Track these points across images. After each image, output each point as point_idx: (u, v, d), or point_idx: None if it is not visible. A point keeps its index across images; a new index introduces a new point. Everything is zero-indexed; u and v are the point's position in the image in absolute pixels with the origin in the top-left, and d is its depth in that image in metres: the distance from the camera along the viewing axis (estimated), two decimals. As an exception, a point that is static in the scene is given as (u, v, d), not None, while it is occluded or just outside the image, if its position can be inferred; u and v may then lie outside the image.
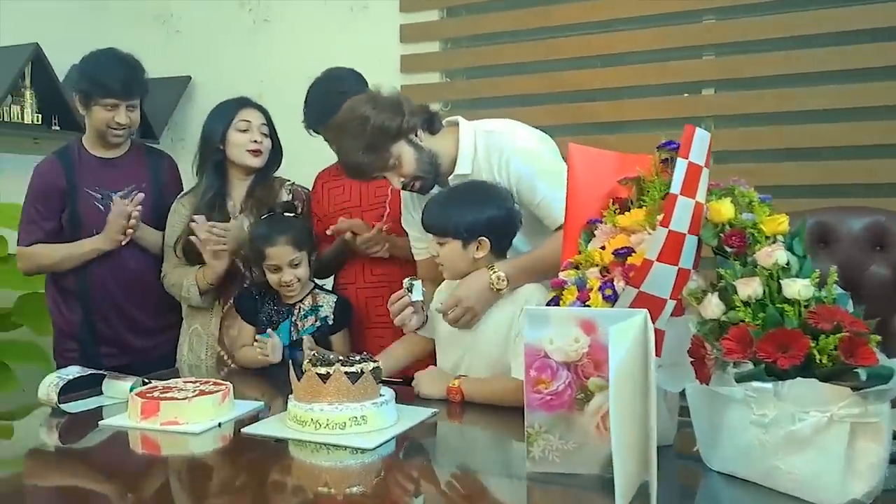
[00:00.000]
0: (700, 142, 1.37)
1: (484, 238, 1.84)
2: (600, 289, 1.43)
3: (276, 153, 2.49)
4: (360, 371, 1.64)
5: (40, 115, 3.21)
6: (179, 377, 2.23)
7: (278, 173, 2.55)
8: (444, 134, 2.01)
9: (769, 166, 2.81)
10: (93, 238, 2.41)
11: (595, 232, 1.62)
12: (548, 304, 1.56)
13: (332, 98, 2.27)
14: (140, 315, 2.51)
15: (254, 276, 2.40)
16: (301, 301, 2.27)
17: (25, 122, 3.15)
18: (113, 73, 2.36)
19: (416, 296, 1.98)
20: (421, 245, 2.17)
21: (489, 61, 3.26)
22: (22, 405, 2.92)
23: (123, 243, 2.36)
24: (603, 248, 1.55)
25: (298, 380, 1.66)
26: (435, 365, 2.02)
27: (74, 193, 2.45)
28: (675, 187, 1.34)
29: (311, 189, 2.58)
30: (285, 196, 2.48)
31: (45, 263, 2.47)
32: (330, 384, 1.62)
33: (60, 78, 3.31)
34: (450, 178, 1.99)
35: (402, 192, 2.13)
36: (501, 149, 1.93)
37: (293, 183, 2.55)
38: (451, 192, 1.91)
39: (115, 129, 2.43)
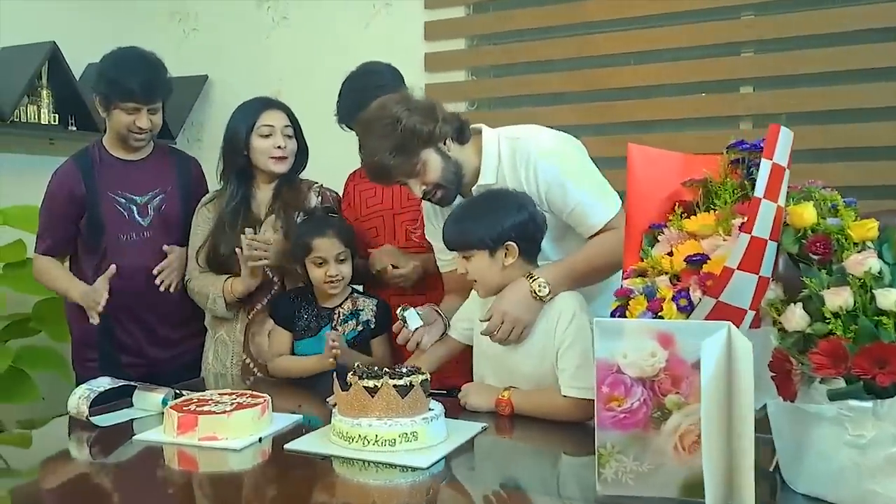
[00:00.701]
0: (784, 141, 1.28)
1: (510, 243, 1.75)
2: (674, 298, 1.34)
3: (302, 153, 2.39)
4: (409, 384, 1.55)
5: (57, 116, 3.12)
6: (205, 387, 2.16)
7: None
8: (468, 143, 1.91)
9: (813, 167, 2.71)
10: (75, 290, 2.31)
11: (658, 237, 1.53)
12: (612, 315, 1.47)
13: (369, 92, 2.18)
14: (160, 325, 2.41)
15: (283, 282, 2.32)
16: (340, 305, 2.18)
17: (42, 122, 3.07)
18: (134, 76, 2.25)
19: (413, 324, 1.91)
20: (446, 257, 2.08)
21: (517, 59, 3.17)
22: (44, 415, 2.87)
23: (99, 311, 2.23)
24: (670, 254, 1.47)
25: (345, 393, 1.57)
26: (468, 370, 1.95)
27: (95, 198, 2.35)
28: (760, 190, 1.25)
29: (341, 191, 2.49)
30: (314, 199, 2.39)
31: (42, 280, 2.40)
32: (378, 398, 1.53)
33: (76, 77, 3.22)
34: (473, 188, 1.90)
35: (424, 204, 2.05)
36: (528, 156, 1.84)
37: (321, 185, 2.46)
38: (468, 205, 1.83)
39: (136, 133, 2.33)
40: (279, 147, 2.29)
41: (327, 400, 1.88)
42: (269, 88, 2.83)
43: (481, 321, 1.79)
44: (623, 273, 1.54)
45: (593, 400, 1.68)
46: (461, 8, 3.24)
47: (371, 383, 1.54)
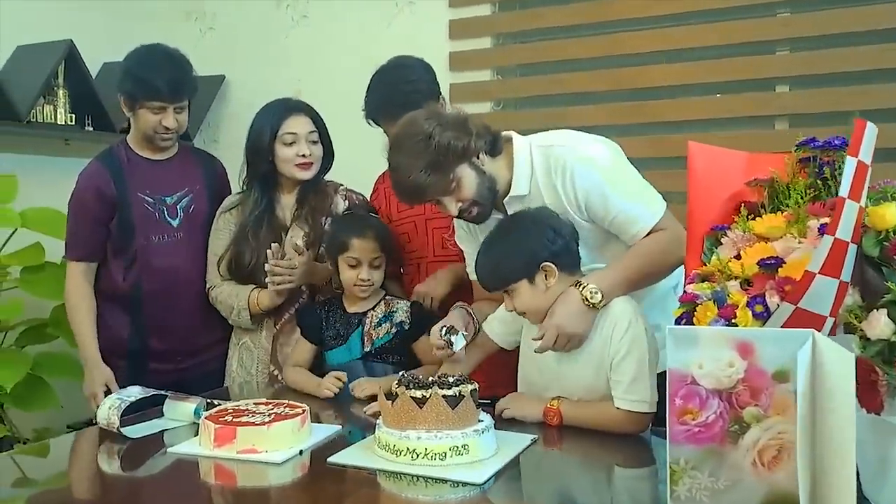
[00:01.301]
0: (869, 137, 1.21)
1: (547, 263, 1.67)
2: (749, 305, 1.26)
3: (328, 157, 2.32)
4: (459, 394, 1.48)
5: (73, 116, 3.05)
6: (230, 396, 2.08)
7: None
8: (503, 154, 1.83)
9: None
10: (89, 355, 2.27)
11: (721, 239, 1.46)
12: (677, 323, 1.40)
13: (400, 87, 2.12)
14: (192, 329, 2.34)
15: (312, 292, 2.26)
16: (373, 309, 2.10)
17: (58, 122, 3.00)
18: (160, 74, 2.19)
19: (459, 345, 1.82)
20: None
21: (544, 57, 3.10)
22: (60, 424, 2.81)
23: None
24: (737, 257, 1.39)
25: (391, 403, 1.49)
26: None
27: (125, 199, 2.28)
28: (845, 189, 1.17)
29: (371, 192, 2.42)
30: (341, 203, 2.32)
31: (70, 309, 2.33)
32: (427, 409, 1.46)
33: (92, 76, 3.15)
34: (505, 200, 1.83)
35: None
36: (563, 163, 1.76)
37: (346, 188, 2.38)
38: (491, 239, 1.73)
39: (162, 133, 2.27)
40: (303, 155, 2.22)
41: (365, 410, 1.82)
42: (288, 89, 2.75)
43: (534, 339, 1.70)
44: (685, 277, 1.46)
45: (648, 413, 1.63)
46: (487, 6, 3.16)
47: (419, 393, 1.47)
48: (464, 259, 2.09)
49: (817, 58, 2.69)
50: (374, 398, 1.89)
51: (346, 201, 2.32)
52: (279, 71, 3.46)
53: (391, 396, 1.50)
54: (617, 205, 1.73)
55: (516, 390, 1.85)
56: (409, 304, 2.12)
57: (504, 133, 1.86)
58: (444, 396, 1.46)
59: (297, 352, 2.14)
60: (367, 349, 2.07)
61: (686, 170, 1.46)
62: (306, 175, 2.24)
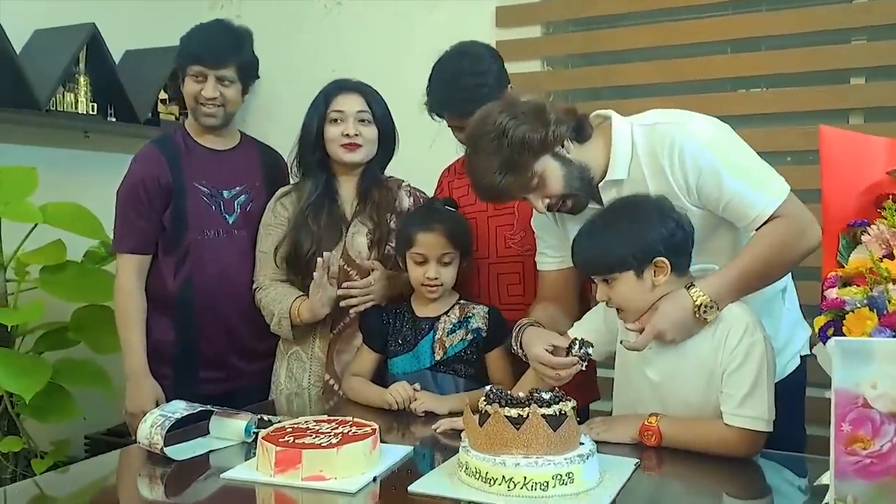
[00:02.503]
0: None
1: (660, 258, 1.47)
2: (925, 313, 1.07)
3: (386, 141, 2.11)
4: (560, 413, 1.28)
5: (95, 105, 2.86)
6: (276, 410, 1.89)
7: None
8: (594, 137, 1.65)
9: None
10: (137, 359, 2.09)
11: (862, 237, 1.27)
12: (822, 333, 1.21)
13: (465, 80, 1.94)
14: (244, 333, 2.14)
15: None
16: (446, 314, 1.91)
17: (79, 111, 2.81)
18: (204, 39, 2.05)
19: (586, 360, 1.59)
20: (554, 255, 1.82)
21: (598, 47, 2.91)
22: (78, 436, 2.61)
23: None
24: (889, 256, 1.20)
25: (480, 424, 1.30)
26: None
27: (182, 188, 2.09)
28: None
29: (435, 187, 2.23)
30: (405, 199, 2.13)
31: (119, 305, 2.13)
32: (525, 431, 1.26)
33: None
34: (600, 185, 1.64)
35: None
36: (672, 142, 1.56)
37: (409, 184, 2.20)
38: (601, 217, 1.55)
39: (203, 105, 2.08)
40: (347, 135, 2.02)
41: (435, 428, 1.63)
42: (320, 80, 2.56)
43: (622, 341, 1.52)
44: (824, 280, 1.27)
45: (763, 432, 1.44)
46: (536, -8, 2.98)
47: (515, 412, 1.27)
48: (529, 259, 1.91)
49: (897, 47, 2.50)
50: (433, 414, 1.73)
51: (411, 198, 2.14)
52: (311, 61, 3.26)
53: (481, 415, 1.31)
54: (732, 185, 1.53)
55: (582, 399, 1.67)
56: (486, 308, 1.92)
57: (601, 112, 1.68)
58: (544, 416, 1.27)
59: (358, 361, 1.95)
60: (437, 358, 1.87)
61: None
62: (353, 157, 2.05)
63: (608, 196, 1.62)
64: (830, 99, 2.60)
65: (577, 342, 1.57)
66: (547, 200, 1.60)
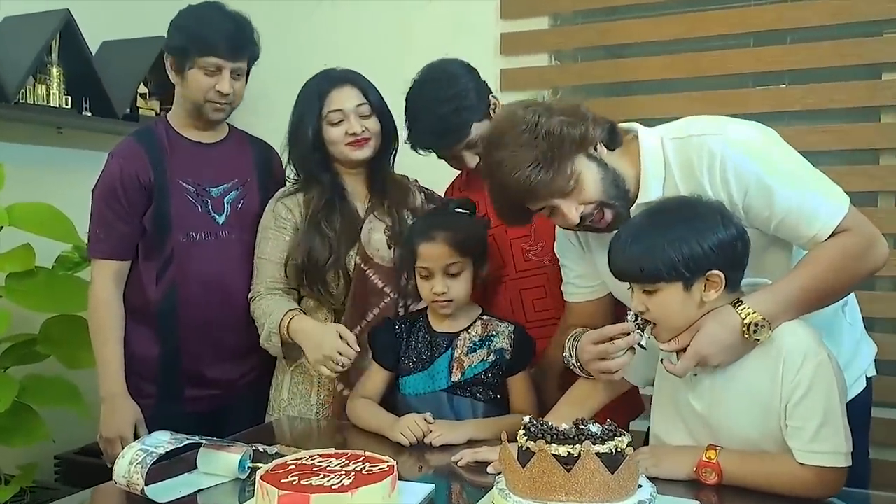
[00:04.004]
0: None
1: (715, 272, 1.29)
2: None
3: (387, 131, 1.93)
4: (616, 451, 1.10)
5: (69, 98, 2.63)
6: (274, 434, 1.69)
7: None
8: (620, 153, 1.48)
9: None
10: (114, 379, 1.88)
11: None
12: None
13: (444, 106, 1.79)
14: (239, 345, 1.93)
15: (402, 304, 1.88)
16: (466, 330, 1.71)
17: (51, 104, 2.58)
18: (219, 28, 1.84)
19: (642, 341, 1.39)
20: (583, 284, 1.64)
21: (609, 40, 2.73)
22: (46, 458, 2.37)
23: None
24: None
25: (523, 464, 1.10)
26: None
27: (164, 187, 1.89)
28: None
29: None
30: (419, 197, 1.97)
31: (93, 312, 1.93)
32: (577, 473, 1.07)
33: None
34: (632, 209, 1.46)
35: (557, 231, 1.65)
36: (712, 154, 1.38)
37: (416, 180, 2.04)
38: (649, 219, 1.35)
39: (215, 101, 1.89)
40: (354, 133, 1.85)
41: (456, 461, 1.44)
42: (311, 74, 2.38)
43: (664, 348, 1.34)
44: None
45: (843, 468, 1.26)
46: (544, -19, 2.80)
47: (564, 450, 1.08)
48: (552, 270, 1.74)
49: (933, 40, 2.35)
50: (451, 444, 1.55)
51: (422, 194, 1.99)
52: (302, 54, 3.01)
53: (521, 452, 1.11)
54: (786, 200, 1.35)
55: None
56: (512, 327, 1.73)
57: (623, 126, 1.49)
58: (598, 455, 1.07)
59: (367, 380, 1.75)
60: (454, 379, 1.68)
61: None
62: (362, 154, 1.88)
63: None
64: (861, 96, 2.44)
65: (636, 315, 1.37)
66: (582, 208, 1.42)
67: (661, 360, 1.39)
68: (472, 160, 1.82)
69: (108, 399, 1.87)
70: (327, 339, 1.70)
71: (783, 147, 1.43)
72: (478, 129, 1.79)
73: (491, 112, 1.85)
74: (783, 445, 1.28)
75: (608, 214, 1.43)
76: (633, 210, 1.45)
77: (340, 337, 1.69)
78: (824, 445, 1.24)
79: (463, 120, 1.79)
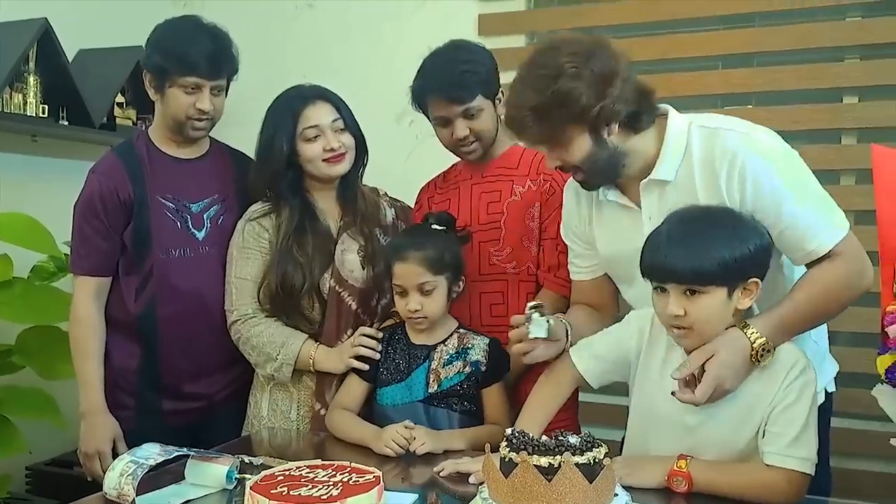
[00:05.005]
0: None
1: (755, 279, 1.34)
2: None
3: (359, 147, 1.95)
4: (595, 461, 1.15)
5: (46, 107, 2.63)
6: (252, 447, 1.71)
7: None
8: (648, 129, 1.52)
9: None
10: (93, 394, 1.88)
11: (922, 267, 1.17)
12: (889, 375, 1.10)
13: (461, 66, 1.83)
14: (217, 360, 1.95)
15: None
16: (443, 342, 1.76)
17: (28, 113, 2.57)
18: (196, 45, 1.84)
19: (536, 332, 1.49)
20: (583, 265, 1.72)
21: (584, 23, 2.75)
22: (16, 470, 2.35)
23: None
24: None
25: (505, 474, 1.15)
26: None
27: (144, 204, 1.89)
28: None
29: (414, 204, 2.09)
30: (388, 210, 2.00)
31: (75, 329, 1.91)
32: (559, 483, 1.12)
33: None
34: (642, 182, 1.51)
35: (568, 191, 1.71)
36: (735, 152, 1.43)
37: (385, 192, 2.07)
38: (692, 220, 1.37)
39: (195, 118, 1.89)
40: (331, 149, 1.87)
41: (438, 472, 1.48)
42: (289, 85, 2.41)
43: (674, 377, 1.36)
44: (883, 316, 1.16)
45: (809, 476, 1.32)
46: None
47: (545, 461, 1.13)
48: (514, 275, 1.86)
49: (891, 66, 2.45)
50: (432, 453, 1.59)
51: (392, 209, 2.02)
52: (279, 65, 3.06)
53: (504, 463, 1.16)
54: (793, 212, 1.40)
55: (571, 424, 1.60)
56: (487, 340, 1.78)
57: (661, 105, 1.53)
58: (578, 465, 1.12)
59: (345, 391, 1.78)
60: (431, 390, 1.72)
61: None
62: (341, 169, 1.89)
63: (649, 197, 1.49)
64: (823, 118, 2.54)
65: (533, 303, 1.50)
66: (559, 162, 1.49)
67: (673, 393, 1.36)
68: (461, 130, 1.84)
69: (88, 415, 1.87)
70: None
71: (800, 163, 1.49)
72: (480, 103, 1.83)
73: (496, 101, 1.88)
74: (749, 452, 1.35)
75: (579, 176, 1.52)
76: (644, 184, 1.50)
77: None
78: (800, 451, 1.31)
79: (473, 83, 1.82)
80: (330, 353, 1.81)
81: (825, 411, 1.62)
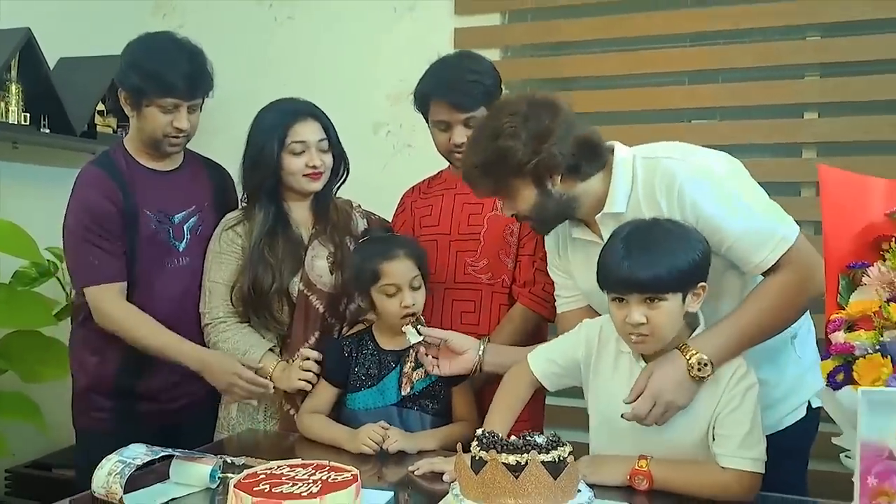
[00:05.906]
0: None
1: (703, 283, 1.43)
2: (944, 360, 1.06)
3: (340, 166, 2.03)
4: (559, 459, 1.22)
5: (28, 115, 2.66)
6: (225, 451, 1.75)
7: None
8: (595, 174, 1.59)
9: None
10: (188, 348, 1.88)
11: (864, 279, 1.26)
12: (831, 379, 1.18)
13: (467, 74, 1.90)
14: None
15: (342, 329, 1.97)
16: (412, 347, 1.81)
17: (9, 121, 2.60)
18: (173, 66, 1.86)
19: (413, 338, 1.74)
20: (565, 295, 1.77)
21: (557, 37, 2.89)
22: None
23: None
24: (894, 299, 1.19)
25: (476, 472, 1.22)
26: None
27: (134, 216, 1.93)
28: None
29: (396, 207, 2.16)
30: (360, 221, 2.06)
31: (123, 327, 1.89)
32: (524, 480, 1.19)
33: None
34: (598, 216, 1.59)
35: (550, 234, 1.76)
36: (672, 179, 1.50)
37: (360, 205, 2.14)
38: (644, 232, 1.44)
39: (172, 136, 1.93)
40: (313, 166, 1.93)
41: (413, 470, 1.55)
42: (270, 97, 2.47)
43: (626, 402, 1.45)
44: (827, 323, 1.25)
45: (760, 474, 1.41)
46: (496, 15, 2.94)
47: (513, 459, 1.20)
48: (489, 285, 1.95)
49: (848, 84, 2.57)
50: (404, 451, 1.67)
51: (365, 220, 2.08)
52: (259, 77, 3.13)
53: (474, 461, 1.23)
54: (735, 228, 1.47)
55: (536, 425, 1.65)
56: None
57: (607, 143, 1.61)
58: (543, 463, 1.20)
59: (315, 396, 1.83)
60: (404, 393, 1.79)
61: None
62: (317, 186, 1.97)
63: (607, 229, 1.56)
64: (784, 133, 2.65)
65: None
66: (510, 212, 1.61)
67: (623, 415, 1.45)
68: (459, 137, 1.87)
69: (204, 364, 1.86)
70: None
71: (741, 179, 1.55)
72: (481, 114, 1.85)
73: None
74: (710, 454, 1.43)
75: (532, 223, 1.63)
76: (599, 218, 1.57)
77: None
78: (749, 452, 1.39)
79: (479, 92, 1.87)
80: (285, 371, 1.86)
81: (805, 426, 1.66)
